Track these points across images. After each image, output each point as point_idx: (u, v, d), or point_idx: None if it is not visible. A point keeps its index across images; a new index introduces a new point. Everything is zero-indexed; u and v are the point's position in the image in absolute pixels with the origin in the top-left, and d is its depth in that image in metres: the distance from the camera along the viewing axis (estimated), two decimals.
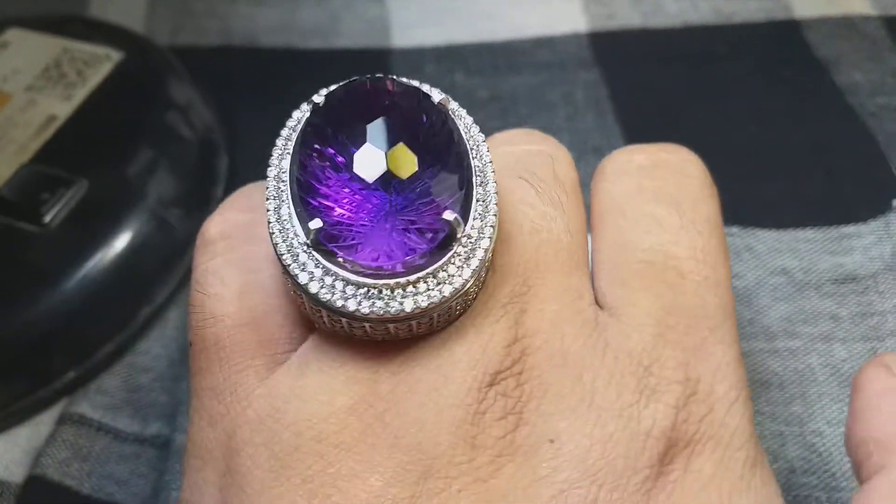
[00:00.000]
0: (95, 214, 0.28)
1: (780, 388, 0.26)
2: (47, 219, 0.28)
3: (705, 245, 0.17)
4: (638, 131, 0.33)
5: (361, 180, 0.14)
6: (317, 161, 0.15)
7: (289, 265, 0.15)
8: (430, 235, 0.14)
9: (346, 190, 0.14)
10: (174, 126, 0.31)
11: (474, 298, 0.16)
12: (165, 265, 0.29)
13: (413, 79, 0.36)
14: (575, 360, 0.15)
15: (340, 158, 0.15)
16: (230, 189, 0.30)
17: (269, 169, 0.16)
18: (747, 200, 0.30)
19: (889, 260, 0.27)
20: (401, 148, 0.15)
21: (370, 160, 0.14)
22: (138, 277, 0.28)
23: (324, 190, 0.14)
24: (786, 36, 0.36)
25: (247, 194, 0.19)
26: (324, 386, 0.15)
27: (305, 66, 0.38)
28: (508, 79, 0.36)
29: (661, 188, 0.18)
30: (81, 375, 0.27)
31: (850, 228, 0.29)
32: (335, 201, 0.14)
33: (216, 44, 0.39)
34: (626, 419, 0.15)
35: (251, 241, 0.17)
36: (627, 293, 0.17)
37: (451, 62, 0.37)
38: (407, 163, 0.15)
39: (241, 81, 0.37)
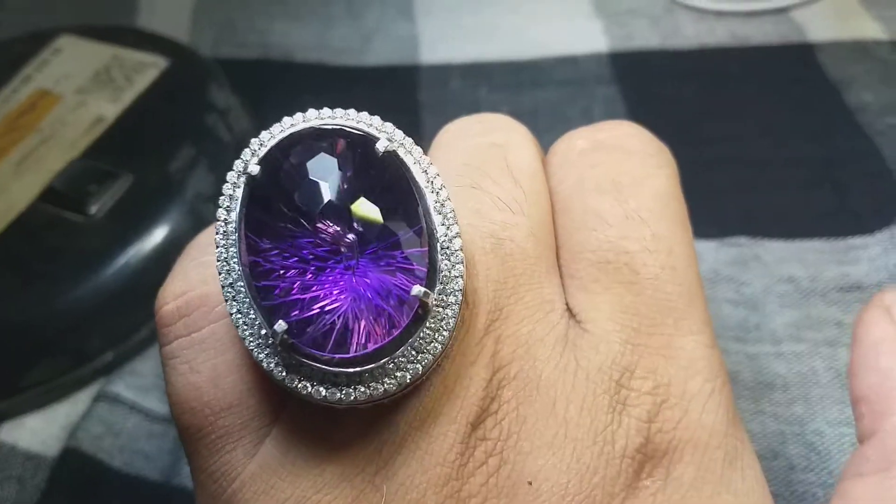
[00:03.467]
0: (138, 207, 0.30)
1: (783, 389, 0.26)
2: (93, 210, 0.30)
3: (655, 231, 0.17)
4: None
5: (318, 257, 0.14)
6: (267, 247, 0.14)
7: (262, 363, 0.14)
8: (402, 313, 0.14)
9: (305, 275, 0.14)
10: (214, 128, 0.33)
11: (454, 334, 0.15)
12: None
13: (439, 94, 0.38)
14: (547, 387, 0.15)
15: (290, 242, 0.14)
16: None
17: (218, 253, 0.15)
18: (757, 212, 0.31)
19: (894, 269, 0.28)
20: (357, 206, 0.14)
21: (330, 235, 0.14)
22: None
23: (281, 284, 0.14)
24: (800, 58, 0.37)
25: (194, 262, 0.17)
26: (312, 457, 0.15)
27: (337, 81, 0.40)
28: (531, 94, 0.37)
29: (602, 175, 0.17)
30: (118, 357, 0.29)
31: (857, 240, 0.30)
32: (295, 289, 0.14)
33: (254, 57, 0.41)
34: (600, 444, 0.15)
35: (211, 317, 0.16)
36: (589, 298, 0.16)
37: (477, 78, 0.38)
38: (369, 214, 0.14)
39: (276, 92, 0.39)
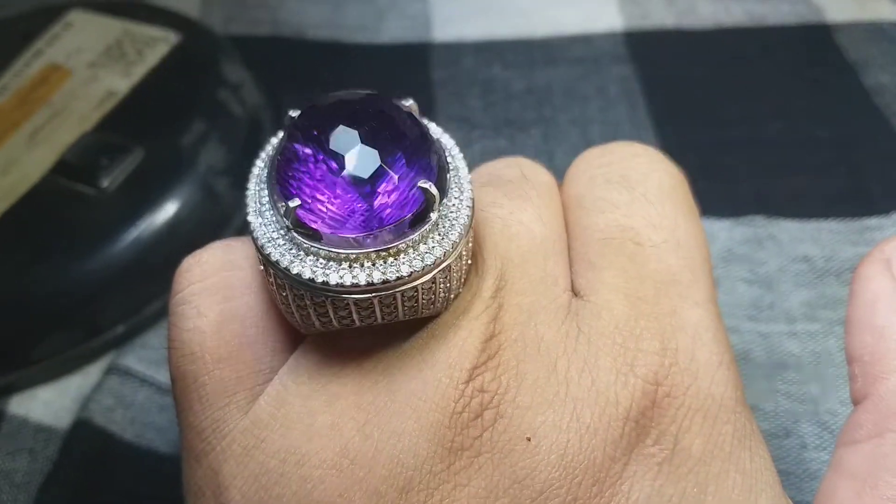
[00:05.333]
0: (150, 180, 0.30)
1: (797, 368, 0.26)
2: (105, 183, 0.29)
3: (659, 211, 0.17)
4: (668, 124, 0.34)
5: (341, 176, 0.14)
6: (294, 163, 0.15)
7: (269, 253, 0.15)
8: (408, 206, 0.14)
9: (327, 189, 0.14)
10: (226, 103, 0.33)
11: (458, 291, 0.16)
12: (212, 230, 0.30)
13: (452, 72, 0.37)
14: (549, 348, 0.15)
15: (321, 155, 0.14)
16: None
17: (250, 182, 0.16)
18: (772, 192, 0.31)
19: None
20: (374, 132, 0.15)
21: (345, 139, 0.14)
22: (186, 240, 0.30)
23: (302, 185, 0.14)
24: (817, 39, 0.37)
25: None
26: (305, 407, 0.15)
27: (350, 59, 0.40)
28: (544, 72, 0.37)
29: (610, 172, 0.18)
30: (129, 330, 0.29)
31: (872, 221, 0.29)
32: (313, 195, 0.14)
33: (266, 34, 0.41)
34: (602, 405, 0.15)
35: (226, 266, 0.17)
36: (595, 274, 0.16)
37: (490, 55, 0.38)
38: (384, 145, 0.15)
39: (288, 70, 0.39)
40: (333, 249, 0.14)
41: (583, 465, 0.14)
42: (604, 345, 0.15)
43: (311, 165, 0.14)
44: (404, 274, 0.14)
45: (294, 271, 0.14)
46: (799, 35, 0.37)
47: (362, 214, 0.14)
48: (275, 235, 0.15)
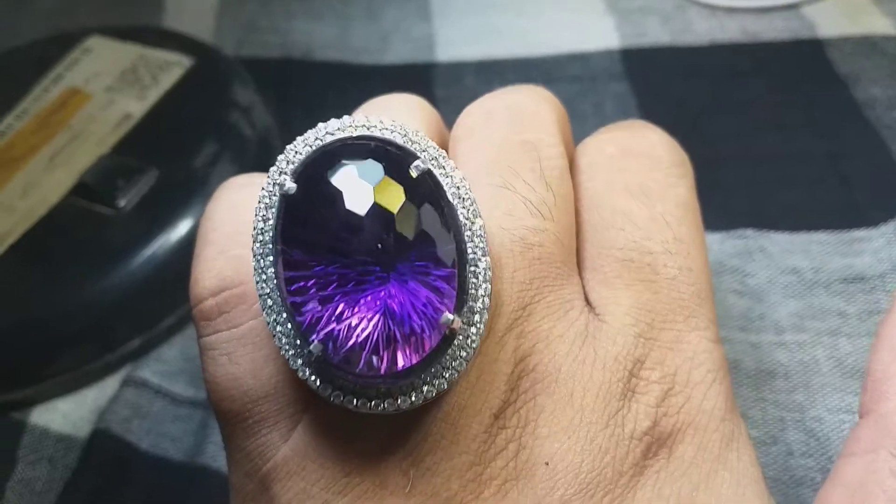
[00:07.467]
0: (164, 200, 0.31)
1: (785, 377, 0.27)
2: (121, 203, 0.31)
3: (676, 234, 0.18)
4: None
5: (351, 274, 0.14)
6: (301, 261, 0.14)
7: (298, 371, 0.15)
8: (431, 337, 0.14)
9: (339, 292, 0.14)
10: (237, 125, 0.34)
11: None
12: None
13: (454, 90, 0.39)
14: (566, 378, 0.16)
15: (324, 258, 0.14)
16: None
17: (254, 262, 0.15)
18: (763, 205, 0.32)
19: None
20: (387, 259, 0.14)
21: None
22: None
23: (315, 299, 0.14)
24: (809, 54, 0.37)
25: (224, 255, 0.18)
26: (341, 444, 0.16)
27: (356, 79, 0.41)
28: None
29: (631, 180, 0.19)
30: (144, 344, 0.31)
31: (861, 232, 0.30)
32: (329, 307, 0.14)
33: (277, 56, 0.42)
34: (612, 427, 0.16)
35: (249, 314, 0.17)
36: (611, 293, 0.17)
37: (490, 74, 0.39)
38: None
39: (297, 91, 0.41)
40: (360, 382, 0.15)
41: (595, 482, 0.16)
42: (616, 370, 0.16)
43: (326, 287, 0.14)
44: (430, 397, 0.15)
45: (323, 395, 0.15)
46: (792, 50, 0.38)
47: (384, 344, 0.14)
48: (298, 342, 0.15)
